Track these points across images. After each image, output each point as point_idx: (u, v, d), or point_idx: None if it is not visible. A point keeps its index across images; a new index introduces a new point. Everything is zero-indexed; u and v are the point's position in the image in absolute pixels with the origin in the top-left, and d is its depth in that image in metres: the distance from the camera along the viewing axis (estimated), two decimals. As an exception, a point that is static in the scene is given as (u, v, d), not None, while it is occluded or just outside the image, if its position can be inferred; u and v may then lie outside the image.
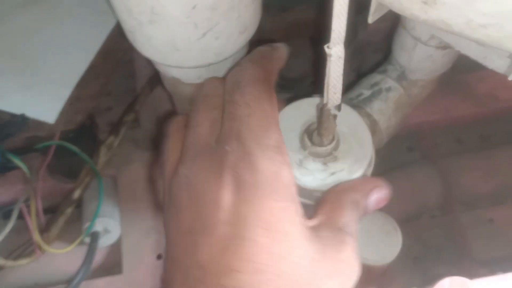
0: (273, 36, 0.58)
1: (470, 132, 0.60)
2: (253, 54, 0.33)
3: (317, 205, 0.30)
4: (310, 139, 0.33)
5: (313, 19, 0.54)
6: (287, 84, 0.59)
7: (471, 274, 0.41)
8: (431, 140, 0.59)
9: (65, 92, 0.41)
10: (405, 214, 0.57)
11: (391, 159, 0.59)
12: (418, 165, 0.58)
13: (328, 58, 0.28)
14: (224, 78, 0.32)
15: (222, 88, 0.31)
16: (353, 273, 0.27)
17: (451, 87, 0.59)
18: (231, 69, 0.32)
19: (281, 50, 0.34)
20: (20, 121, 0.40)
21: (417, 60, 0.40)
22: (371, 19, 0.31)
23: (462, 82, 0.60)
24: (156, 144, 0.58)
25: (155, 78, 0.57)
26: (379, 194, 0.31)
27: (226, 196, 0.25)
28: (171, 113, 0.54)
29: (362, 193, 0.30)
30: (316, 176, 0.32)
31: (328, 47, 0.28)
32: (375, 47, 0.61)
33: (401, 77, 0.42)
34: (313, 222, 0.28)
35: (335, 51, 0.28)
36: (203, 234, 0.25)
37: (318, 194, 0.32)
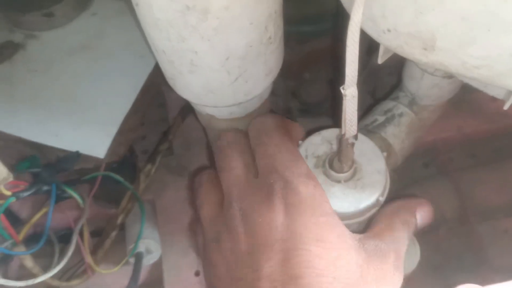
0: (293, 66, 0.62)
1: (483, 147, 0.63)
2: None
3: (370, 224, 0.35)
4: (331, 167, 0.37)
5: (328, 49, 0.58)
6: (307, 108, 0.63)
7: (489, 281, 0.45)
8: (446, 156, 0.62)
9: (112, 129, 0.46)
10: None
11: (408, 176, 0.62)
12: (434, 180, 0.61)
13: (344, 98, 0.33)
14: (239, 129, 0.38)
15: (242, 136, 0.36)
16: (396, 282, 0.32)
17: (463, 105, 0.62)
18: (251, 122, 0.37)
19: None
20: (74, 157, 0.45)
21: (425, 88, 0.44)
22: (380, 60, 0.35)
23: (473, 101, 0.63)
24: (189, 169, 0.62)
25: (186, 108, 0.62)
26: (423, 211, 0.35)
27: (278, 218, 0.30)
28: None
29: (409, 211, 0.35)
30: (337, 202, 0.36)
31: (343, 88, 0.32)
32: (389, 71, 0.64)
33: (412, 103, 0.46)
34: (360, 236, 0.33)
35: (349, 92, 0.32)
36: (264, 252, 0.29)
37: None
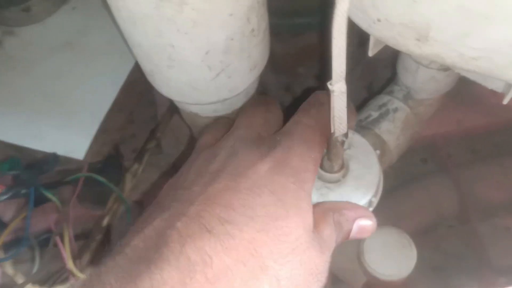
0: (285, 60, 0.60)
1: (483, 141, 0.61)
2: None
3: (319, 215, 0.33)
4: (321, 166, 0.35)
5: (323, 43, 0.56)
6: (300, 104, 0.61)
7: (490, 282, 0.43)
8: (445, 152, 0.60)
9: (92, 130, 0.44)
10: (423, 225, 0.58)
11: (407, 172, 0.60)
12: (433, 177, 0.59)
13: (331, 94, 0.30)
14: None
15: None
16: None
17: (463, 99, 0.60)
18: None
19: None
20: (52, 159, 0.43)
21: (421, 81, 0.42)
22: (371, 52, 0.33)
23: (473, 94, 0.61)
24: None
25: (174, 105, 0.60)
26: (363, 224, 0.33)
27: (263, 167, 0.29)
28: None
29: (346, 217, 0.32)
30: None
31: (330, 84, 0.30)
32: (384, 63, 0.62)
33: (407, 97, 0.44)
34: None
35: (337, 87, 0.30)
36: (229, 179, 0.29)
37: None
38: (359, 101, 0.55)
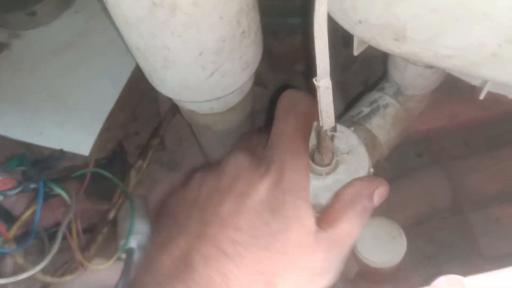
0: (283, 59, 0.62)
1: (476, 134, 0.62)
2: None
3: (327, 207, 0.35)
4: (313, 160, 0.37)
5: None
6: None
7: (480, 271, 0.44)
8: (438, 145, 0.62)
9: (96, 126, 0.46)
10: (417, 217, 0.60)
11: (401, 165, 0.62)
12: (427, 170, 0.61)
13: (317, 89, 0.32)
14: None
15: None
16: (331, 274, 0.32)
17: (456, 93, 0.61)
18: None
19: None
20: (59, 155, 0.45)
21: (409, 78, 0.43)
22: (355, 52, 0.35)
23: (466, 88, 0.62)
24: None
25: (176, 104, 0.62)
26: (381, 191, 0.35)
27: (264, 186, 0.32)
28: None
29: (368, 197, 0.35)
30: (319, 195, 0.36)
31: (315, 80, 0.32)
32: (380, 59, 0.64)
33: (397, 93, 0.46)
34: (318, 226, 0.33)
35: (323, 83, 0.32)
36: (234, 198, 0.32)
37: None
38: (356, 95, 0.57)
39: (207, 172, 0.34)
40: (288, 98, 0.37)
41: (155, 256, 0.30)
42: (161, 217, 0.34)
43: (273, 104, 0.36)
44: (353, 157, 0.39)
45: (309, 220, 0.32)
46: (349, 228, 0.33)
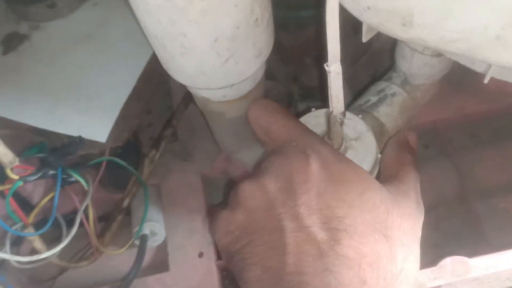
0: (293, 51, 0.63)
1: (483, 126, 0.63)
2: None
3: (382, 169, 0.38)
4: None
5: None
6: (308, 93, 0.64)
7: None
8: (445, 137, 0.63)
9: (113, 114, 0.48)
10: (424, 206, 0.61)
11: (409, 157, 0.63)
12: (434, 161, 0.62)
13: (328, 75, 0.34)
14: None
15: None
16: (419, 217, 0.36)
17: (463, 85, 0.62)
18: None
19: None
20: (78, 142, 0.47)
21: (416, 67, 0.45)
22: (364, 38, 0.36)
23: (472, 80, 0.63)
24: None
25: (189, 95, 0.64)
26: (412, 138, 0.40)
27: (315, 168, 0.33)
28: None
29: (407, 144, 0.39)
30: None
31: (327, 65, 0.33)
32: (389, 53, 0.65)
33: (404, 83, 0.47)
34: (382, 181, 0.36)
35: (333, 69, 0.33)
36: (300, 187, 0.33)
37: None
38: (363, 88, 0.58)
39: (256, 180, 0.35)
40: (258, 107, 0.40)
41: (277, 264, 0.31)
42: (228, 245, 0.35)
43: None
44: (361, 143, 0.40)
45: (370, 177, 0.34)
46: (413, 175, 0.37)
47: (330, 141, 0.39)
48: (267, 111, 0.39)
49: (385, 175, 0.38)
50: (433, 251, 0.58)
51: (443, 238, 0.57)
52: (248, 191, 0.35)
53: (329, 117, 0.37)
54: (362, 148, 0.40)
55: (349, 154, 0.39)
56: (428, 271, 0.42)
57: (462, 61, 0.37)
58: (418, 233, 0.35)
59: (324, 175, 0.33)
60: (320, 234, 0.30)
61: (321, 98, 0.64)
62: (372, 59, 0.67)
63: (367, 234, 0.31)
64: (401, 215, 0.33)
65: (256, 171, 0.35)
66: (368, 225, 0.31)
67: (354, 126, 0.41)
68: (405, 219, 0.33)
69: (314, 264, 0.30)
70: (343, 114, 0.37)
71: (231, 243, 0.34)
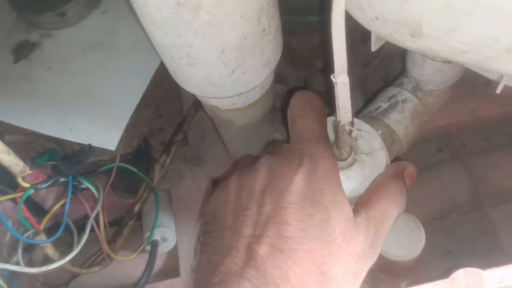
0: (302, 56, 0.63)
1: (497, 130, 0.62)
2: None
3: (361, 199, 0.37)
4: (330, 153, 0.38)
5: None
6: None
7: (500, 265, 0.45)
8: (459, 141, 0.62)
9: (122, 123, 0.48)
10: (437, 211, 0.60)
11: (421, 161, 0.62)
12: (447, 165, 0.61)
13: (335, 86, 0.33)
14: None
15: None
16: (368, 259, 0.33)
17: (476, 90, 0.61)
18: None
19: None
20: (88, 150, 0.47)
21: (428, 73, 0.44)
22: (373, 48, 0.36)
23: (486, 84, 0.62)
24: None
25: (199, 100, 0.64)
26: (409, 172, 0.37)
27: (300, 178, 0.32)
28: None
29: (398, 178, 0.36)
30: None
31: (333, 77, 0.33)
32: (400, 56, 0.64)
33: (416, 89, 0.46)
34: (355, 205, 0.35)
35: (340, 80, 0.33)
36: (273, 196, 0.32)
37: None
38: (374, 92, 0.58)
39: (242, 174, 0.35)
40: (300, 97, 0.38)
41: (219, 260, 0.31)
42: (206, 219, 0.35)
43: (286, 104, 0.37)
44: (371, 159, 0.40)
45: (346, 206, 0.33)
46: (384, 209, 0.35)
47: (338, 150, 0.39)
48: (305, 104, 0.38)
49: (361, 198, 0.37)
50: (446, 259, 0.57)
51: (456, 245, 0.57)
52: (233, 181, 0.35)
53: (336, 127, 0.37)
54: (371, 164, 0.39)
55: (355, 167, 0.39)
56: (441, 283, 0.42)
57: (474, 69, 0.36)
58: (360, 277, 0.33)
59: (302, 189, 0.32)
60: (262, 248, 0.30)
61: (331, 103, 0.64)
62: (384, 62, 0.67)
63: (303, 263, 0.30)
64: (351, 252, 0.32)
65: (255, 164, 0.36)
66: (310, 255, 0.31)
67: (370, 141, 0.40)
68: (352, 259, 0.32)
69: (240, 271, 0.30)
70: (351, 123, 0.36)
71: (206, 222, 0.35)
